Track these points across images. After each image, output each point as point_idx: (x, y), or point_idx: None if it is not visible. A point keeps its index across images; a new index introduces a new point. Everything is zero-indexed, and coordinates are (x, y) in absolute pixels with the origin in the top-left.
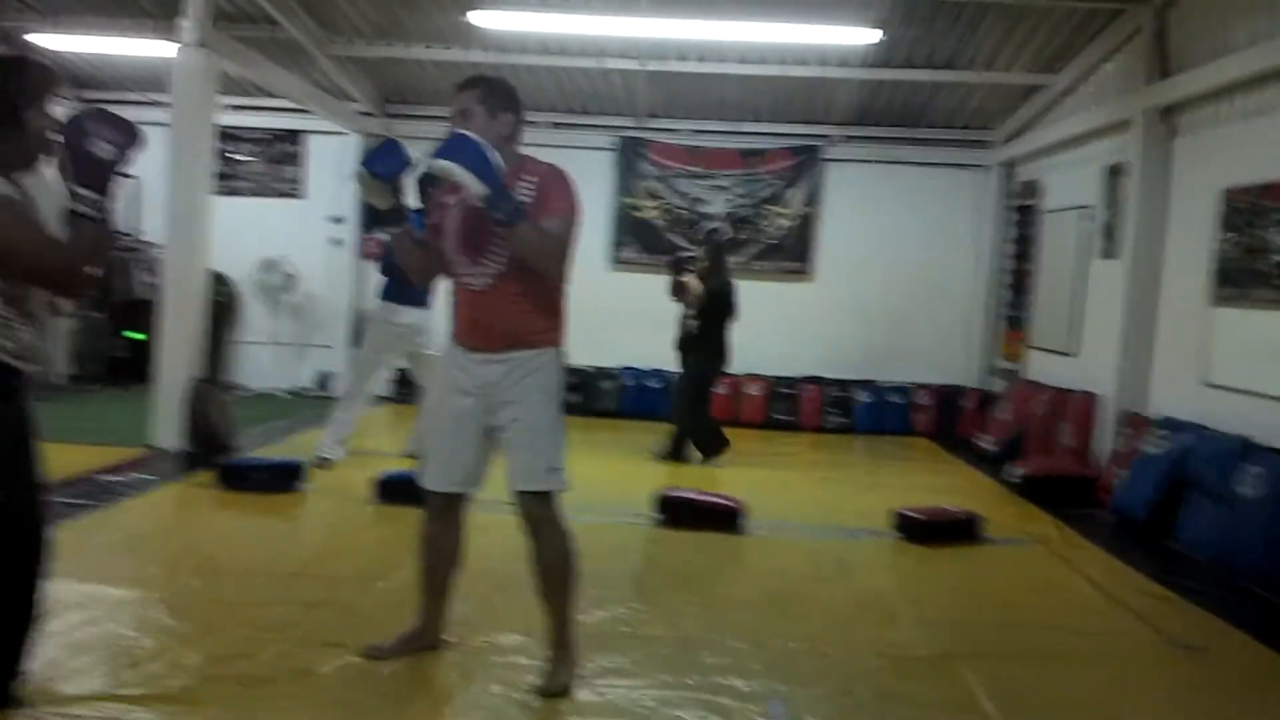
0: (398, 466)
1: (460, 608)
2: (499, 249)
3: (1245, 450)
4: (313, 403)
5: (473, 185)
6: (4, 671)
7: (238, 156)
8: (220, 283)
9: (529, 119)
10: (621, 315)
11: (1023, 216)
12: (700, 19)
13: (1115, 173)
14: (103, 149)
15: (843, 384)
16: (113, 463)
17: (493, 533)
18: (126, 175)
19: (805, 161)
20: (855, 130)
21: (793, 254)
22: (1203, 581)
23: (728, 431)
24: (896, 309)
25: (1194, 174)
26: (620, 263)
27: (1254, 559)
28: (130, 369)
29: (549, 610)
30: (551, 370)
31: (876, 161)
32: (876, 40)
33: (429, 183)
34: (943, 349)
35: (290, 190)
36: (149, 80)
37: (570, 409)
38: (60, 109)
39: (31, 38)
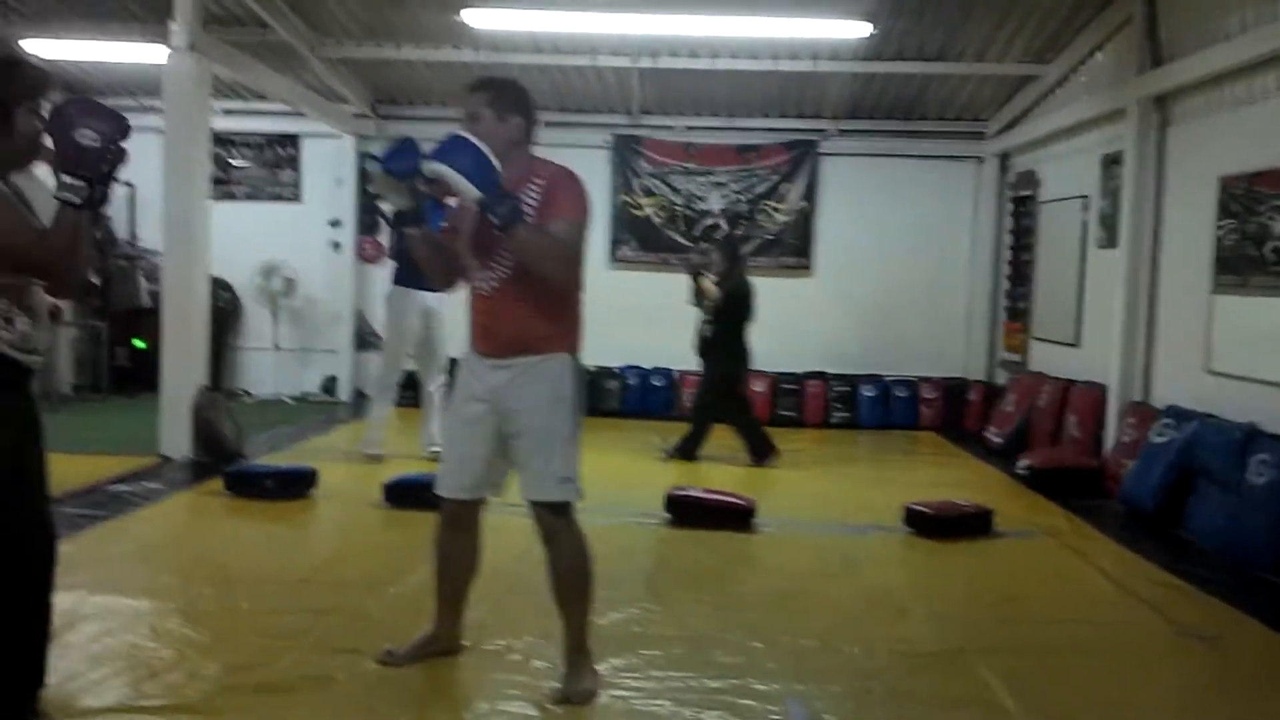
0: (417, 469)
1: (474, 611)
2: (506, 253)
3: (1251, 437)
4: (319, 408)
5: (465, 188)
6: (28, 683)
7: (234, 161)
8: (221, 289)
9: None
10: (622, 314)
11: (1020, 207)
12: (691, 15)
13: (1111, 162)
14: (87, 137)
15: (846, 379)
16: (122, 472)
17: (505, 534)
18: (119, 161)
19: (801, 156)
20: (849, 124)
21: (791, 249)
22: (1213, 570)
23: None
24: (896, 302)
25: (1189, 162)
26: (619, 261)
27: (1263, 546)
28: (135, 378)
29: (565, 617)
30: (562, 377)
31: (872, 155)
32: (867, 34)
33: (425, 184)
34: (944, 342)
35: (287, 194)
36: (142, 85)
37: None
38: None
39: (23, 44)
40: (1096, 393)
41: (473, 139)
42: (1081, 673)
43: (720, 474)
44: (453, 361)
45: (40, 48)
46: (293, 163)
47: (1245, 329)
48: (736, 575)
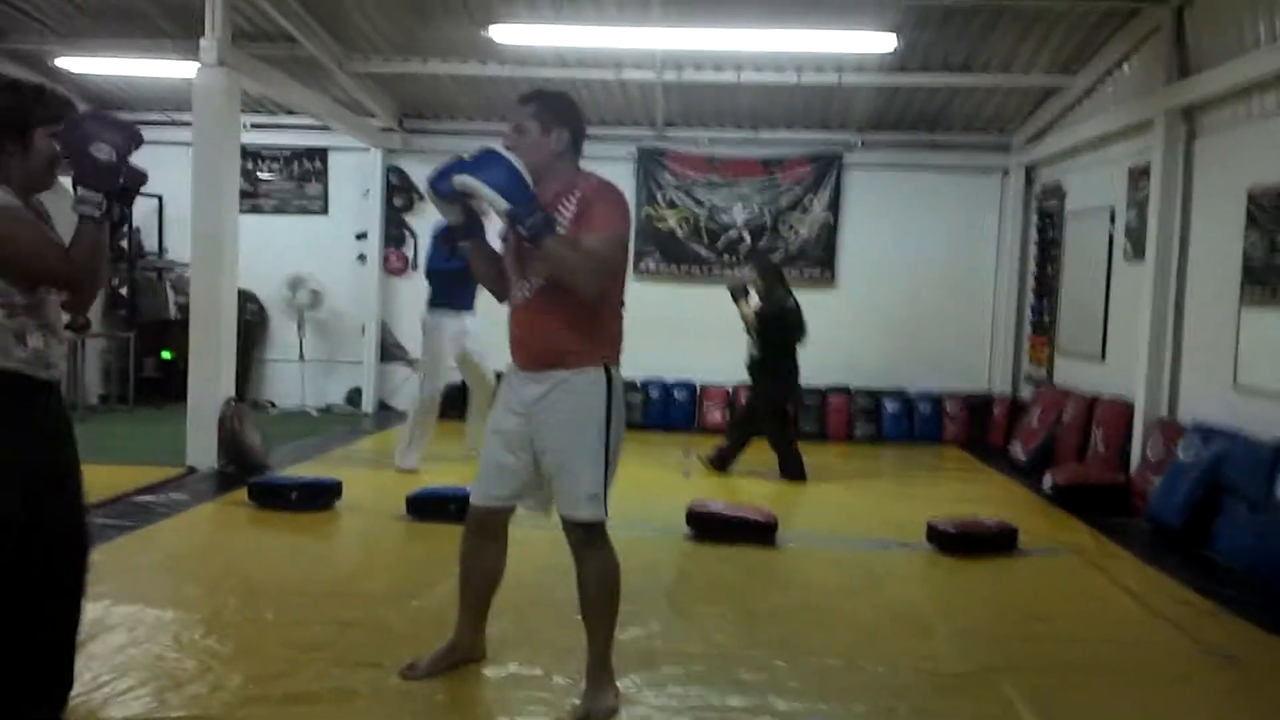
0: (443, 482)
1: (496, 624)
2: (538, 265)
3: None
4: (343, 419)
5: (494, 200)
6: (56, 689)
7: (261, 174)
8: (248, 301)
9: None
10: (644, 326)
11: (1046, 219)
12: (715, 28)
13: (1138, 174)
14: (103, 151)
15: (870, 392)
16: (148, 483)
17: (528, 547)
18: (137, 178)
19: (825, 168)
20: (874, 136)
21: (815, 261)
22: (1240, 590)
23: (756, 442)
24: (920, 315)
25: (1217, 174)
26: (642, 273)
27: None
28: (162, 388)
29: (590, 633)
30: (592, 393)
31: (896, 167)
32: (892, 47)
33: (454, 198)
34: (969, 355)
35: (314, 207)
36: (172, 100)
37: None
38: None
39: (59, 61)
40: (1122, 408)
41: (503, 152)
42: (1106, 693)
43: (744, 488)
44: (498, 375)
45: (73, 63)
46: (320, 176)
47: (1274, 343)
48: (758, 591)
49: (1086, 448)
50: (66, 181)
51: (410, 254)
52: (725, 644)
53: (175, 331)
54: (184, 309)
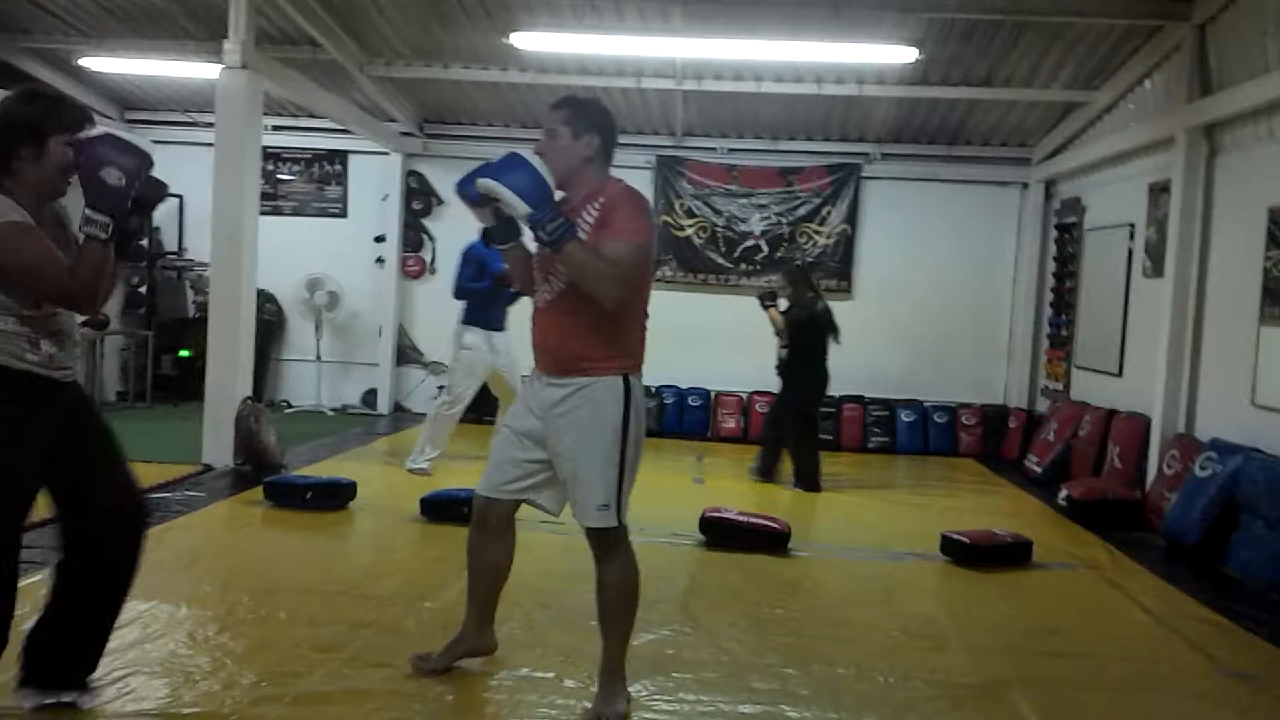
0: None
1: (505, 627)
2: (559, 269)
3: None
4: (358, 420)
5: (515, 204)
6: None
7: (282, 176)
8: (267, 301)
9: None
10: (659, 333)
11: (1065, 234)
12: (736, 38)
13: (1158, 190)
14: (112, 175)
15: (885, 403)
16: (164, 480)
17: (537, 551)
18: (157, 191)
19: (843, 179)
20: (893, 148)
21: (832, 271)
22: (1257, 607)
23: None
24: (937, 327)
25: (1238, 192)
26: (658, 281)
27: None
28: (179, 386)
29: (604, 637)
30: (608, 401)
31: (915, 179)
32: (914, 59)
33: (482, 202)
34: (985, 368)
35: (333, 210)
36: (194, 101)
37: None
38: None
39: (83, 60)
40: (1139, 423)
41: (528, 157)
42: (1119, 709)
43: (756, 496)
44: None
45: (97, 63)
46: (340, 179)
47: None
48: (771, 599)
49: (1103, 462)
50: None
51: (428, 258)
52: (737, 652)
53: (193, 330)
54: (202, 308)
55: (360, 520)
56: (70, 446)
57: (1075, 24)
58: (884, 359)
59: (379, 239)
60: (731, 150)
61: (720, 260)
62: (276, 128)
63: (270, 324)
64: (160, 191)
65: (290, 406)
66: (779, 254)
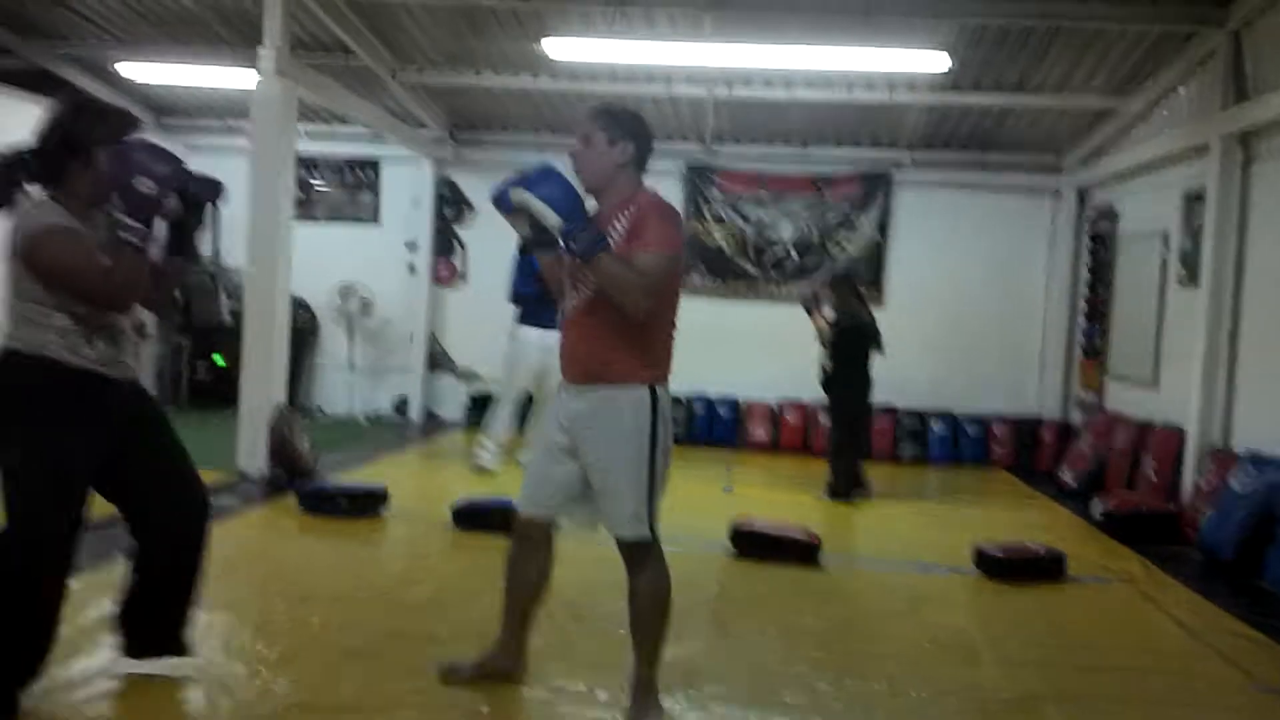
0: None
1: (539, 639)
2: (588, 279)
3: None
4: (391, 427)
5: (546, 215)
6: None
7: (315, 183)
8: (300, 308)
9: None
10: (689, 341)
11: (1098, 243)
12: (768, 45)
13: (1193, 198)
14: (145, 184)
15: (916, 414)
16: None
17: (571, 563)
18: (210, 190)
19: (874, 187)
20: (925, 155)
21: (862, 280)
22: None
23: (798, 460)
24: (969, 336)
25: (1275, 200)
26: (688, 289)
27: None
28: (213, 393)
29: (636, 649)
30: (636, 411)
31: (947, 186)
32: (946, 66)
33: (516, 212)
34: (1018, 378)
35: (366, 216)
36: (229, 108)
37: None
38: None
39: (119, 66)
40: (1174, 435)
41: (560, 168)
42: None
43: (786, 506)
44: None
45: (133, 69)
46: (372, 186)
47: None
48: (802, 611)
49: (1137, 474)
50: None
51: (459, 265)
52: (768, 664)
53: (227, 336)
54: (236, 314)
55: (393, 528)
56: (130, 443)
57: (1108, 30)
58: (915, 368)
59: (410, 245)
60: (762, 157)
61: (750, 268)
62: (310, 134)
63: (303, 331)
64: (215, 190)
65: (323, 413)
66: (809, 261)
